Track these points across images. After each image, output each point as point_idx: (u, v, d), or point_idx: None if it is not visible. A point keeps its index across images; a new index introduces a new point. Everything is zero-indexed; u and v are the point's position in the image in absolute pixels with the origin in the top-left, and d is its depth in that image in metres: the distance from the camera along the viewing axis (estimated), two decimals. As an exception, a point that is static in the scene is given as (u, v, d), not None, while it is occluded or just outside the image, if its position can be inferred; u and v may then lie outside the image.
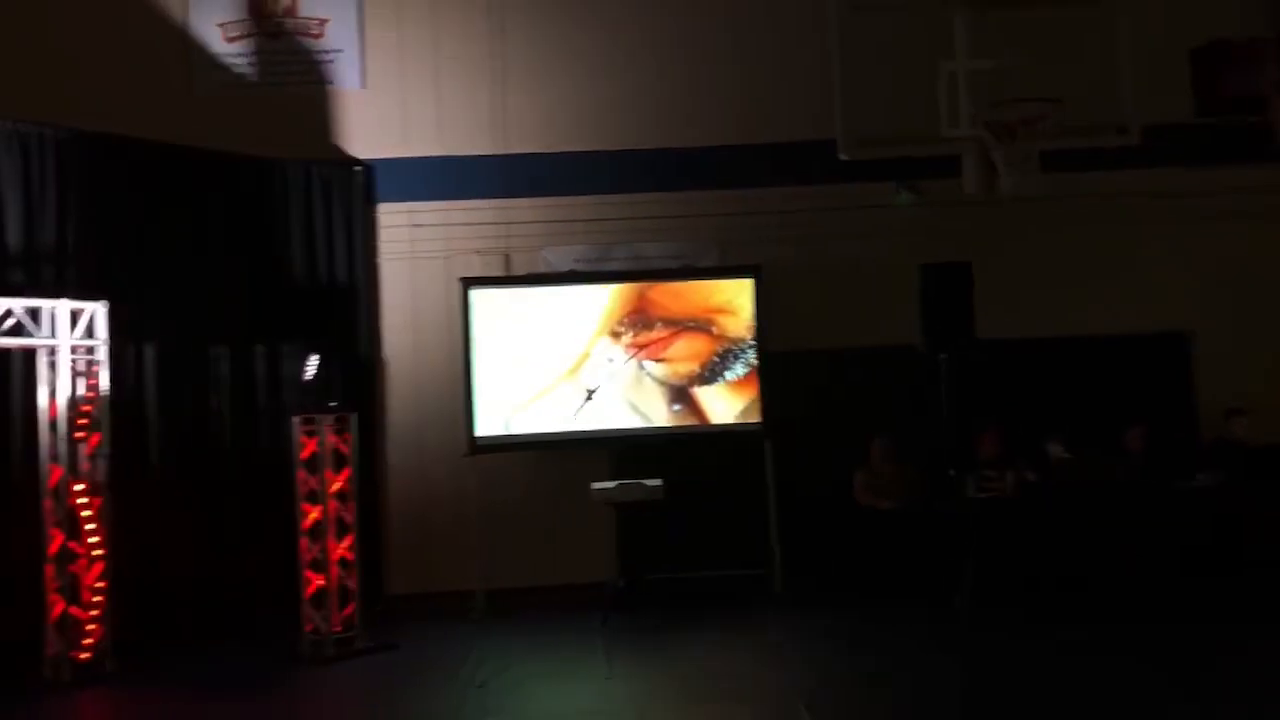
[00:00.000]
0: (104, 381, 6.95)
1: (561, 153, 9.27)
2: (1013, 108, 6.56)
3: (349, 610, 7.32)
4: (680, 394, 8.75)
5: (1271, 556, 7.37)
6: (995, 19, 7.32)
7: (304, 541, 7.26)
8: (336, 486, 7.31)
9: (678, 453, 8.69)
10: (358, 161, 9.12)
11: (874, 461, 8.60)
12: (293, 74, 9.22)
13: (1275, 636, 6.44)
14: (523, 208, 9.25)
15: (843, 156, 7.18)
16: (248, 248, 8.51)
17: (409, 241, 9.20)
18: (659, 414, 8.73)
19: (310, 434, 7.29)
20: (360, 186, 9.03)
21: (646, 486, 8.03)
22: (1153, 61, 8.01)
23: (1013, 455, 8.17)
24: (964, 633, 7.00)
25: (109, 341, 7.02)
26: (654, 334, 8.75)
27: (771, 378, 8.72)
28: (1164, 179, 9.00)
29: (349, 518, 7.37)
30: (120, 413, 7.23)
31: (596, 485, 8.26)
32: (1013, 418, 8.33)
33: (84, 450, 6.84)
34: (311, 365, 7.31)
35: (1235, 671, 5.78)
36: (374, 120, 9.23)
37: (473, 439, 8.60)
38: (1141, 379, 8.95)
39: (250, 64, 9.15)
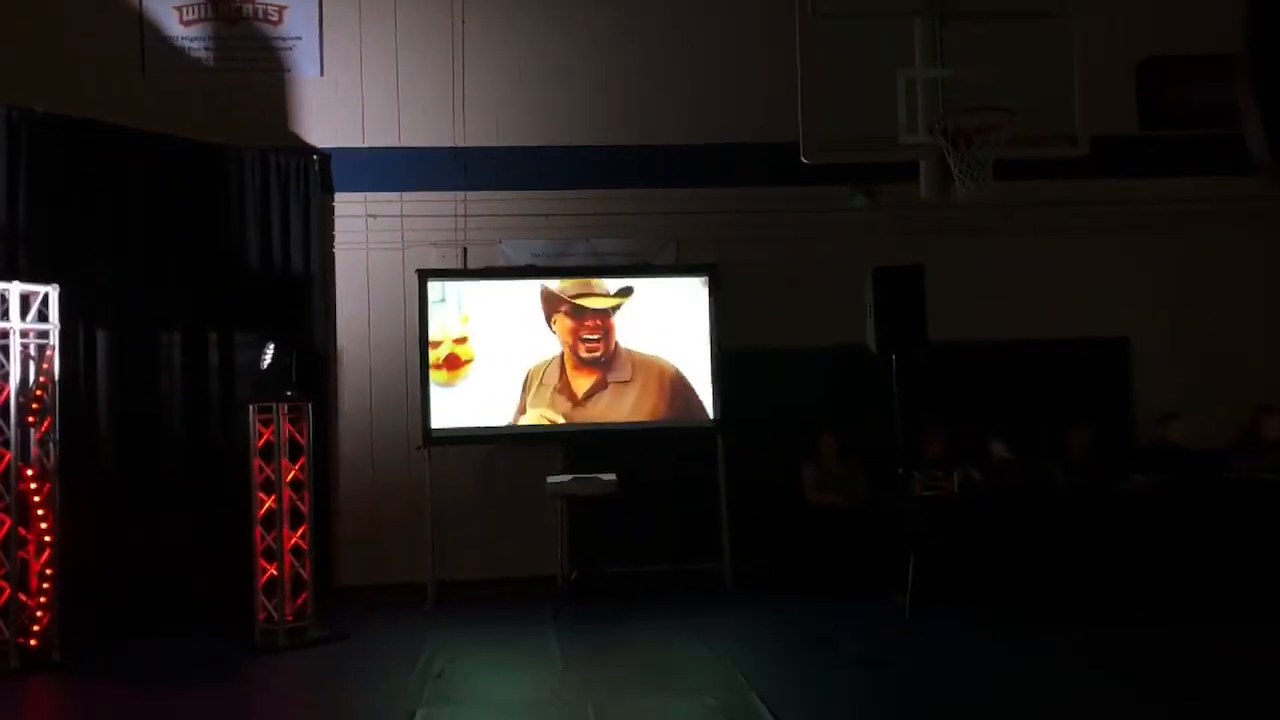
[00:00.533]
0: (56, 367, 6.86)
1: (520, 147, 9.31)
2: (969, 116, 6.73)
3: (302, 600, 7.31)
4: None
5: (1203, 557, 7.62)
6: (953, 29, 7.49)
7: (258, 530, 7.23)
8: (292, 475, 7.30)
9: (629, 447, 8.78)
10: (315, 150, 9.07)
11: (823, 457, 8.76)
12: (250, 60, 9.14)
13: (1206, 635, 6.68)
14: (480, 201, 9.27)
15: (805, 160, 7.29)
16: (202, 234, 8.43)
17: (365, 232, 9.19)
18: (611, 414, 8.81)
19: (266, 422, 7.26)
20: (317, 175, 8.98)
21: (601, 480, 8.10)
22: (1100, 74, 8.22)
23: (958, 455, 8.36)
24: (908, 628, 7.16)
25: (60, 326, 6.93)
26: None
27: (724, 375, 8.84)
28: (1109, 189, 9.29)
29: (304, 507, 7.36)
30: (70, 399, 7.15)
31: (552, 479, 8.32)
32: (960, 418, 8.53)
33: (34, 436, 6.76)
34: (268, 353, 7.27)
35: (1167, 669, 6.00)
36: (332, 109, 9.19)
37: (428, 431, 8.61)
38: (1083, 383, 9.23)
39: (207, 48, 9.06)
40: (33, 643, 6.62)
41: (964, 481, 7.95)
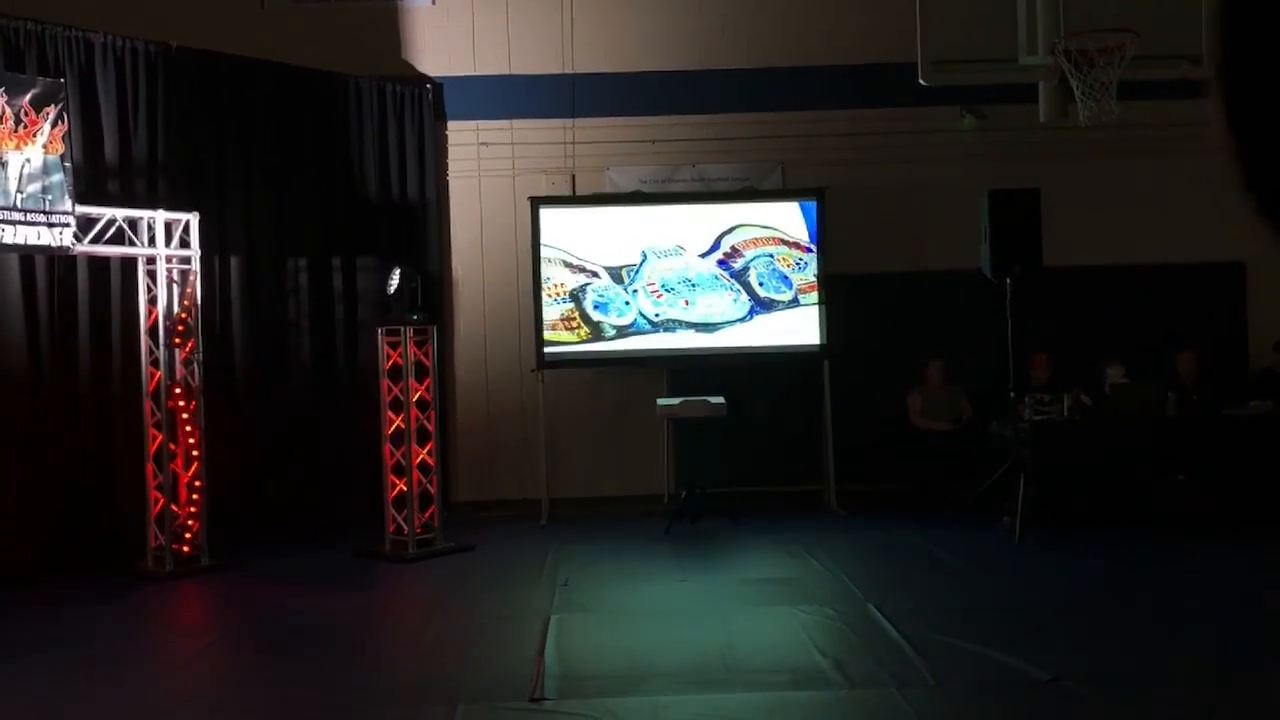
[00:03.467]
0: (198, 292, 7.22)
1: (627, 73, 9.39)
2: (1092, 37, 6.62)
3: (430, 513, 7.66)
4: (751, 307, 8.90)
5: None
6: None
7: (387, 448, 7.57)
8: (418, 395, 7.60)
9: (735, 371, 8.93)
10: (427, 79, 9.26)
11: (930, 383, 8.83)
12: (363, -11, 9.33)
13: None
14: (588, 128, 9.40)
15: (922, 81, 7.26)
16: (321, 162, 8.71)
17: (477, 160, 9.39)
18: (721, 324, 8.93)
19: (394, 345, 7.56)
20: (430, 104, 9.18)
21: (710, 403, 8.28)
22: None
23: (1063, 379, 8.36)
24: (1018, 550, 7.27)
25: (200, 252, 7.28)
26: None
27: (832, 300, 8.91)
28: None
29: (429, 425, 7.67)
30: (208, 323, 7.52)
31: (661, 401, 8.53)
32: (1072, 343, 8.52)
33: (179, 356, 7.14)
34: (395, 278, 7.54)
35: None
36: (442, 38, 9.35)
37: (541, 355, 8.86)
38: (1197, 308, 9.12)
39: (320, -21, 9.25)
40: (184, 549, 7.08)
41: (1074, 405, 7.97)
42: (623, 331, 8.84)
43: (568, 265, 8.80)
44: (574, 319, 8.79)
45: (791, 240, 8.86)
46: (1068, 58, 6.64)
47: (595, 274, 8.82)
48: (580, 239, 8.84)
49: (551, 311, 8.77)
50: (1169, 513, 7.70)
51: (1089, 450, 7.67)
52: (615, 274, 8.85)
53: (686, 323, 8.87)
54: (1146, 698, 4.34)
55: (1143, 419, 7.73)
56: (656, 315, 8.83)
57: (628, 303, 8.82)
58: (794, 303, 8.83)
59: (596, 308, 8.81)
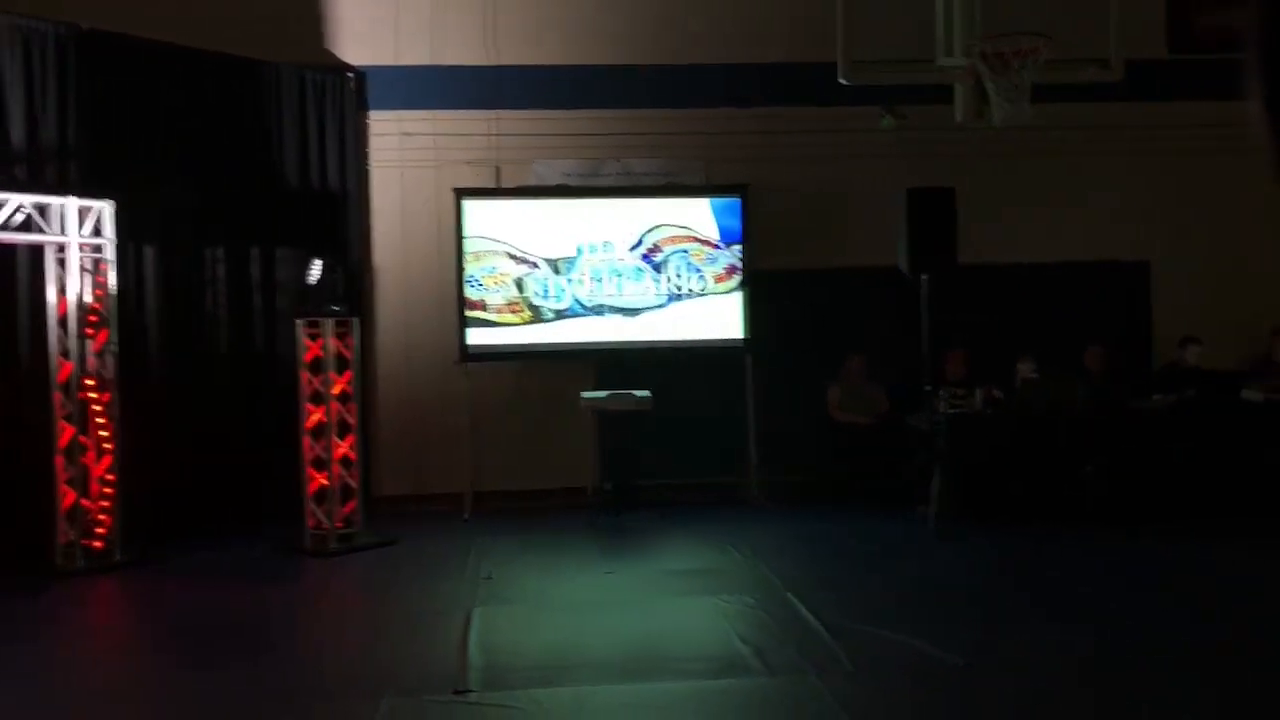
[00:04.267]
0: (111, 280, 7.05)
1: (553, 66, 9.37)
2: (1007, 40, 6.81)
3: (350, 507, 7.59)
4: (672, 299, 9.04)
5: (1216, 468, 7.88)
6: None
7: (306, 440, 7.48)
8: (339, 388, 7.53)
9: (659, 365, 9.00)
10: (349, 68, 9.15)
11: (850, 377, 8.99)
12: (285, -24, 9.17)
13: (1217, 538, 6.96)
14: (513, 120, 9.37)
15: (842, 81, 7.39)
16: (241, 151, 8.56)
17: (399, 150, 9.30)
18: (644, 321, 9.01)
19: (314, 336, 7.47)
20: (352, 93, 9.07)
21: (636, 397, 8.33)
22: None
23: (978, 375, 8.58)
24: (932, 540, 7.45)
25: (114, 241, 7.11)
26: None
27: (755, 295, 9.03)
28: (1136, 113, 9.37)
29: (351, 419, 7.60)
30: (123, 313, 7.35)
31: (586, 394, 8.55)
32: (986, 339, 8.75)
33: (92, 347, 6.97)
34: (315, 269, 7.46)
35: (1183, 582, 6.29)
36: (366, 26, 9.24)
37: (464, 347, 8.83)
38: (1105, 305, 9.43)
39: (241, -36, 9.07)
40: (96, 544, 6.92)
41: (986, 399, 8.19)
42: (560, 314, 8.95)
43: (511, 257, 8.90)
44: (518, 304, 8.90)
45: (704, 238, 9.05)
46: (984, 60, 6.81)
47: (535, 265, 8.93)
48: (520, 233, 8.91)
49: (495, 297, 8.87)
50: (1078, 503, 7.94)
51: (1001, 443, 7.88)
52: (554, 265, 8.95)
53: (614, 307, 8.99)
54: (1052, 682, 4.49)
55: (1052, 412, 7.98)
56: (589, 300, 8.95)
57: (563, 290, 8.94)
58: (704, 293, 9.01)
59: (537, 294, 8.91)
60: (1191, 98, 9.57)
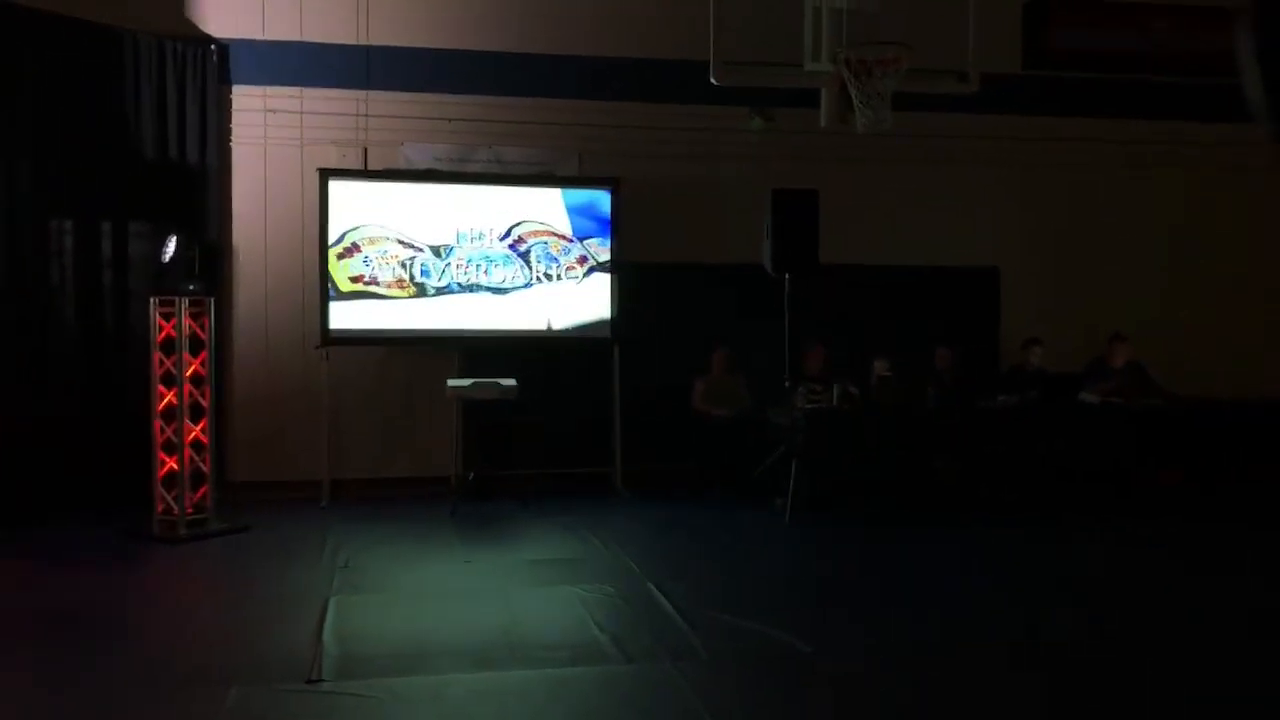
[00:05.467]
0: (-53, 250, 6.69)
1: (426, 48, 9.26)
2: (871, 48, 7.03)
3: (202, 493, 7.38)
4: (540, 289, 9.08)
5: (1055, 465, 8.33)
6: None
7: (157, 424, 7.24)
8: (192, 370, 7.30)
9: (526, 354, 9.01)
10: (212, 40, 8.85)
11: (714, 371, 9.16)
12: (145, -60, 8.81)
13: (1055, 530, 7.37)
14: (383, 101, 9.22)
15: (714, 81, 7.51)
16: (93, 121, 8.19)
17: (263, 127, 9.05)
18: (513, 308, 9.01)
19: (167, 316, 7.23)
20: (215, 67, 8.79)
21: (501, 386, 8.31)
22: (989, 14, 8.59)
23: (835, 371, 8.86)
24: (787, 531, 7.66)
25: (-50, 209, 6.74)
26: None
27: (623, 287, 9.11)
28: (990, 125, 9.80)
29: (204, 402, 7.38)
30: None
31: (452, 382, 8.50)
32: (843, 337, 9.03)
33: (-76, 320, 6.60)
34: (170, 245, 7.21)
35: (1027, 560, 6.63)
36: (230, -2, 8.96)
37: (326, 330, 8.66)
38: (957, 308, 9.85)
39: (98, -75, 8.68)
40: (-76, 529, 6.56)
41: (842, 395, 8.46)
42: (440, 291, 8.91)
43: (400, 242, 8.87)
44: (404, 281, 8.86)
45: (559, 233, 9.13)
46: (848, 67, 7.02)
47: (420, 249, 8.89)
48: (399, 218, 8.86)
49: (386, 273, 8.81)
50: (927, 497, 8.27)
51: (855, 438, 8.15)
52: (435, 250, 8.92)
53: (485, 286, 8.98)
54: (895, 667, 4.69)
55: (903, 410, 8.30)
56: (465, 280, 8.96)
57: (444, 270, 8.91)
58: (560, 279, 9.12)
59: (422, 274, 8.90)
60: (1042, 113, 10.10)
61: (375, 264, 8.80)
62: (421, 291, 8.89)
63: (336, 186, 8.74)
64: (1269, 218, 10.51)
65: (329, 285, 8.68)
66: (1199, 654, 4.84)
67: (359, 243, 8.79)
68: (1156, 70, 10.30)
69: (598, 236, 9.18)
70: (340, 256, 8.73)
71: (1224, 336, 10.12)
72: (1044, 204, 10.16)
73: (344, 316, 8.72)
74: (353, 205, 8.78)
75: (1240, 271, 10.43)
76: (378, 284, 8.81)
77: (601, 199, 9.17)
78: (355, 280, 8.76)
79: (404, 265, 8.86)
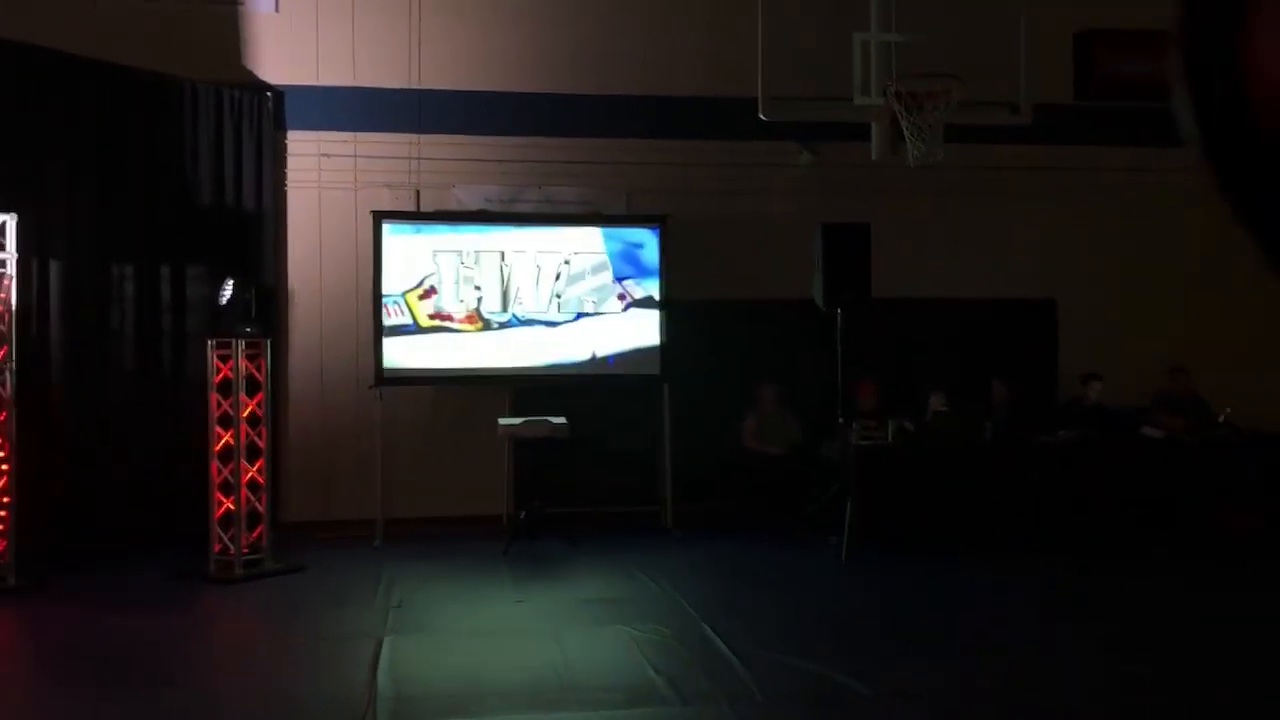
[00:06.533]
0: (12, 295, 6.83)
1: (475, 91, 9.37)
2: (921, 81, 6.99)
3: (258, 533, 7.43)
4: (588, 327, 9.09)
5: (1117, 503, 8.11)
6: (906, -5, 7.76)
7: (214, 464, 7.31)
8: (249, 411, 7.38)
9: (576, 391, 9.00)
10: (268, 87, 9.03)
11: (764, 407, 9.09)
12: (203, -9, 9.04)
13: (1120, 570, 7.17)
14: (434, 144, 9.33)
15: (763, 117, 7.51)
16: (154, 167, 8.40)
17: (317, 171, 9.20)
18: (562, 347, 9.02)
19: (224, 358, 7.32)
20: (271, 113, 8.96)
21: (552, 424, 8.31)
22: (1042, 44, 8.52)
23: (888, 406, 8.74)
24: (844, 569, 7.54)
25: (16, 256, 6.89)
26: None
27: (673, 324, 9.09)
28: (1044, 155, 9.68)
29: (260, 442, 7.45)
30: (24, 329, 7.13)
31: (503, 420, 8.51)
32: (897, 372, 8.92)
33: (-10, 364, 6.74)
34: (227, 289, 7.31)
35: (1093, 600, 6.46)
36: (286, 46, 9.14)
37: (380, 370, 8.73)
38: (1013, 341, 9.69)
39: (158, -23, 8.92)
40: (-12, 569, 6.66)
41: (897, 431, 8.34)
42: (503, 325, 8.98)
43: (469, 283, 8.99)
44: (474, 316, 8.95)
45: (602, 271, 9.15)
46: (899, 100, 6.99)
47: (480, 287, 8.99)
48: (466, 260, 9.00)
49: (459, 309, 8.93)
50: (985, 534, 8.10)
51: (911, 474, 8.02)
52: (501, 287, 9.03)
53: (540, 320, 9.02)
54: (957, 712, 4.57)
55: (960, 445, 8.16)
56: (523, 314, 9.03)
57: (505, 308, 9.01)
58: (603, 314, 9.13)
59: (488, 311, 8.97)
60: (1096, 142, 9.96)
61: (448, 302, 8.90)
62: (487, 327, 8.96)
63: (397, 234, 8.82)
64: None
65: (396, 323, 8.75)
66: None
67: (435, 285, 8.90)
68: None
69: (635, 277, 9.16)
70: (421, 297, 8.85)
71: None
72: (1099, 235, 9.99)
73: (408, 353, 8.76)
74: (419, 249, 8.86)
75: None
76: (452, 319, 8.90)
77: (645, 240, 9.15)
78: (433, 317, 8.87)
79: (476, 303, 8.95)
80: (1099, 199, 9.94)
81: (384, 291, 8.75)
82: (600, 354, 9.08)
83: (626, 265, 9.15)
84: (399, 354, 8.79)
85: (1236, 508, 8.18)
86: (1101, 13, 9.89)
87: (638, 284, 9.16)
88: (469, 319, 8.95)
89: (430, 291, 8.90)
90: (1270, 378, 9.57)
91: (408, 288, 8.84)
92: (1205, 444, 8.40)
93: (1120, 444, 8.45)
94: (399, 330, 8.80)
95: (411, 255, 8.85)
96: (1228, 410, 8.54)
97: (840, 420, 8.32)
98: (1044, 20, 8.52)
